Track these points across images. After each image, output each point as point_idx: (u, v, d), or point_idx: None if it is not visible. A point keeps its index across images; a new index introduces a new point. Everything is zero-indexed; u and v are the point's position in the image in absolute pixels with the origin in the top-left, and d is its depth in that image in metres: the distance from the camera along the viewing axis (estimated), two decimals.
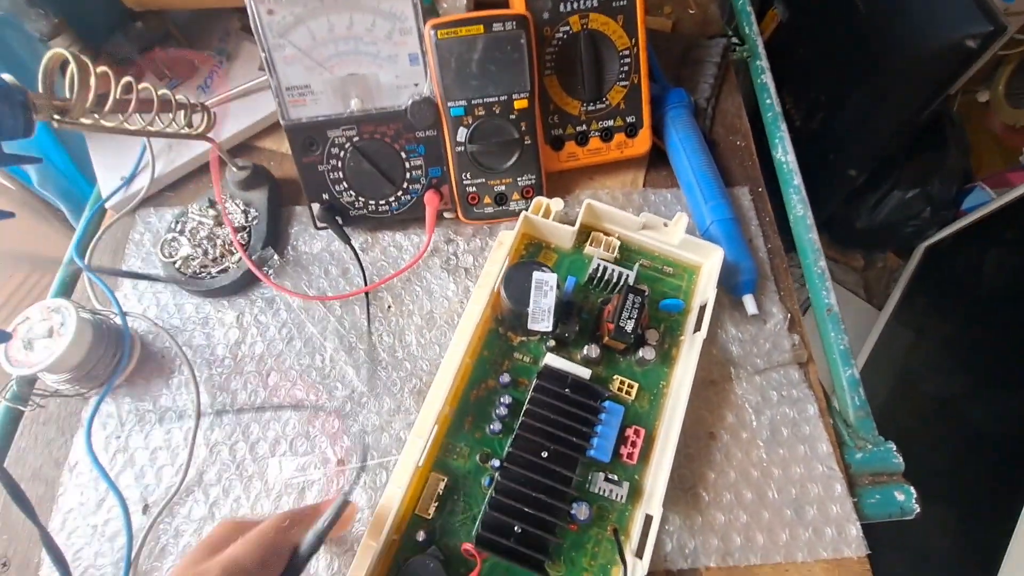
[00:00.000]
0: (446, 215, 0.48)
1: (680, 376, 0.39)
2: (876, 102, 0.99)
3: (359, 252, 0.45)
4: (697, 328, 0.40)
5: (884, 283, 1.42)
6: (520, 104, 0.43)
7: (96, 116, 0.36)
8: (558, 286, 0.38)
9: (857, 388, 0.44)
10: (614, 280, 0.41)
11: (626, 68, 0.46)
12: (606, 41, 0.45)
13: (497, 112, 0.43)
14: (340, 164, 0.44)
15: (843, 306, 0.46)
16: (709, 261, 0.43)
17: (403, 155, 0.45)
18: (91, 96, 0.34)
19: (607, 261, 0.42)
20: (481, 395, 0.39)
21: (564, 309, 0.39)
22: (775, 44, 0.65)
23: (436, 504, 0.35)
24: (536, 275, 0.37)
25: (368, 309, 0.44)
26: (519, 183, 0.46)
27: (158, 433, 0.41)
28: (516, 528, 0.32)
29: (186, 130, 0.42)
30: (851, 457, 0.41)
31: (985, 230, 1.13)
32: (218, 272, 0.45)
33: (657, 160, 0.51)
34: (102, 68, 0.35)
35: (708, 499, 0.39)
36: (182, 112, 0.41)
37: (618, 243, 0.43)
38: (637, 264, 0.41)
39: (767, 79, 0.59)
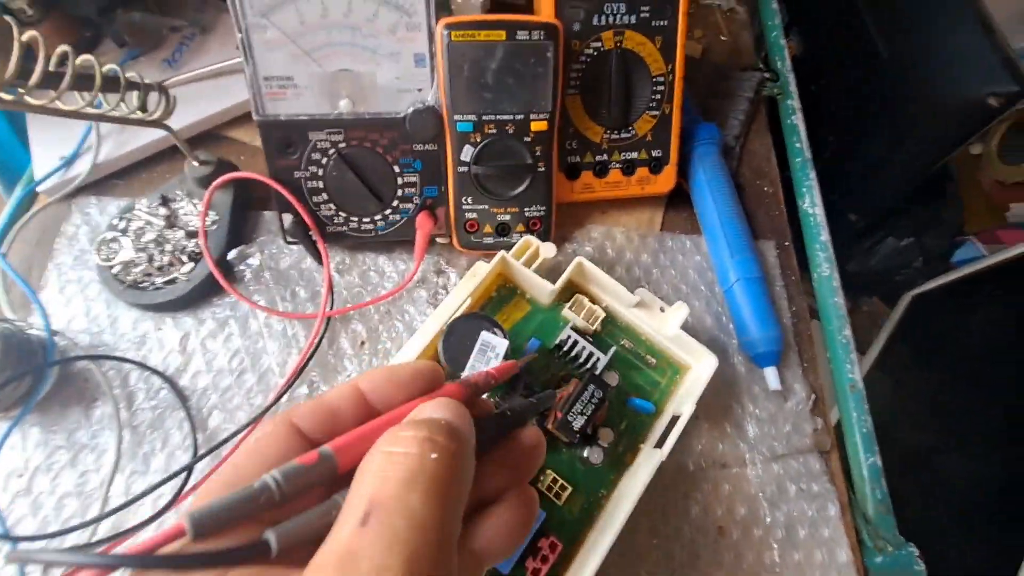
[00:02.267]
0: (438, 240, 0.42)
1: (625, 489, 0.32)
2: (889, 151, 0.96)
3: (333, 274, 0.39)
4: (659, 444, 0.33)
5: (867, 328, 1.41)
6: (538, 126, 0.37)
7: (20, 91, 0.29)
8: (506, 356, 0.31)
9: (879, 479, 0.39)
10: (582, 359, 0.35)
11: (658, 96, 0.41)
12: (640, 64, 0.40)
13: (510, 132, 0.37)
14: (321, 172, 0.38)
15: None
16: (699, 366, 0.36)
17: (396, 169, 0.39)
18: (13, 66, 0.27)
19: (581, 335, 0.35)
20: None
21: (513, 379, 0.32)
22: None
23: None
24: (484, 336, 0.32)
25: (320, 338, 0.37)
26: (526, 213, 0.40)
27: (69, 477, 0.34)
28: None
29: (138, 114, 0.35)
30: (870, 561, 0.37)
31: (974, 286, 1.13)
32: (164, 283, 0.38)
33: (677, 199, 0.46)
34: (30, 33, 0.28)
35: None
36: (134, 93, 0.34)
37: (602, 315, 0.36)
38: (613, 349, 0.35)
39: (797, 120, 0.55)
